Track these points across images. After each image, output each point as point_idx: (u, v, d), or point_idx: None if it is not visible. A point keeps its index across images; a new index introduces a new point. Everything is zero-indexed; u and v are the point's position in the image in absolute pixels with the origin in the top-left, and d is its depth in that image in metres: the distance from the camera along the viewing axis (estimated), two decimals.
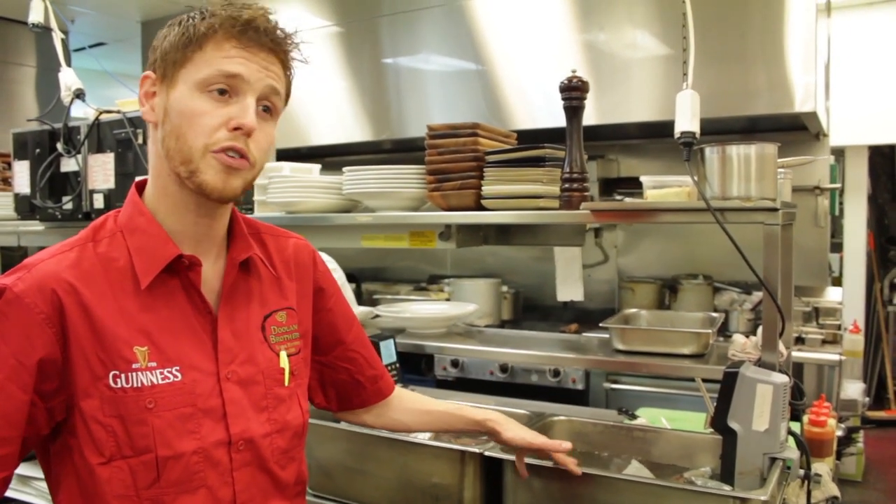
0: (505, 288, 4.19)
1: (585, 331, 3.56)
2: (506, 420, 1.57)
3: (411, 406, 1.59)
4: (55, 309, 1.09)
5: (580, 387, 3.61)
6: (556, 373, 3.61)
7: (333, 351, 1.47)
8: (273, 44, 1.17)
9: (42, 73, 5.57)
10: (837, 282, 5.14)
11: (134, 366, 1.12)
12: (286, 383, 1.28)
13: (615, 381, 3.53)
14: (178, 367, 1.15)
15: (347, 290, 3.57)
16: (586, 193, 1.81)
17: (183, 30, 1.15)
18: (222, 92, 1.14)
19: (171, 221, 1.19)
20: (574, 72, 1.82)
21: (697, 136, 1.69)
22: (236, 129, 1.13)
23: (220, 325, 1.21)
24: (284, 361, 1.28)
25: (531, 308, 4.33)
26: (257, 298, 1.28)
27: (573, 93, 1.81)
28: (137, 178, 1.25)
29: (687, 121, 1.69)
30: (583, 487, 1.54)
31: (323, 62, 4.21)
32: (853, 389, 3.91)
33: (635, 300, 3.84)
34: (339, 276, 2.86)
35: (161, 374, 1.13)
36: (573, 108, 1.81)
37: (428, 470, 1.70)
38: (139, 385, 1.12)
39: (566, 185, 1.81)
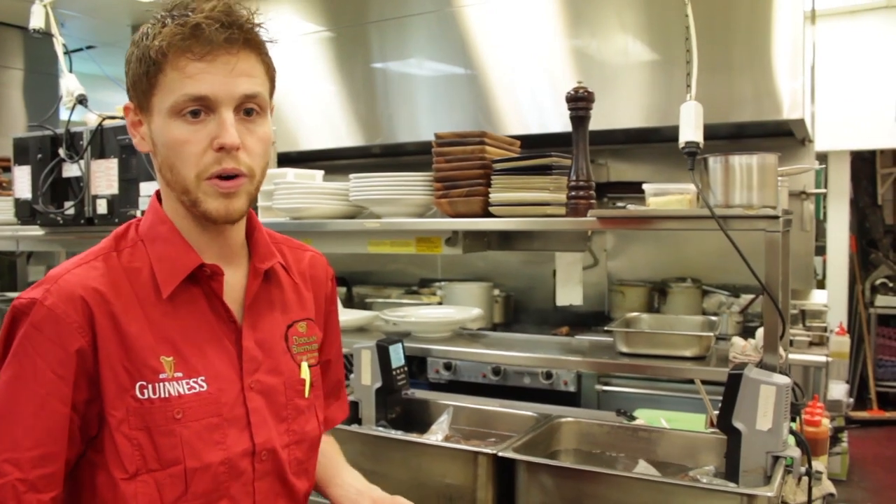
0: (496, 291, 4.25)
1: (576, 333, 3.62)
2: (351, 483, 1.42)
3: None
4: (86, 318, 1.07)
5: (572, 389, 3.66)
6: (549, 375, 3.65)
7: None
8: (230, 39, 1.08)
9: (30, 76, 5.54)
10: (821, 284, 5.26)
11: (161, 376, 1.10)
12: (306, 394, 1.26)
13: (606, 384, 3.58)
14: (203, 377, 1.13)
15: None
16: (592, 201, 1.86)
17: (140, 52, 1.10)
18: (195, 113, 1.09)
19: (190, 233, 1.17)
20: (580, 82, 1.87)
21: (701, 146, 1.75)
22: (220, 149, 1.09)
23: (245, 334, 1.19)
24: (306, 372, 1.27)
25: (521, 311, 4.38)
26: (279, 307, 1.26)
27: (580, 103, 1.86)
28: (158, 188, 1.23)
29: (691, 131, 1.75)
30: (594, 486, 1.59)
31: (314, 67, 4.24)
32: (837, 390, 4.00)
33: (625, 303, 3.89)
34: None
35: (187, 384, 1.11)
36: (580, 117, 1.87)
37: (441, 471, 1.75)
38: (167, 395, 1.10)
39: (573, 193, 1.86)
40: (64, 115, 2.88)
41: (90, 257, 1.14)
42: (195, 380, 1.12)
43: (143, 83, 1.10)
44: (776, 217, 1.65)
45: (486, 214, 2.02)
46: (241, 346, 1.18)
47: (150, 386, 1.09)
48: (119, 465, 1.08)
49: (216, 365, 1.15)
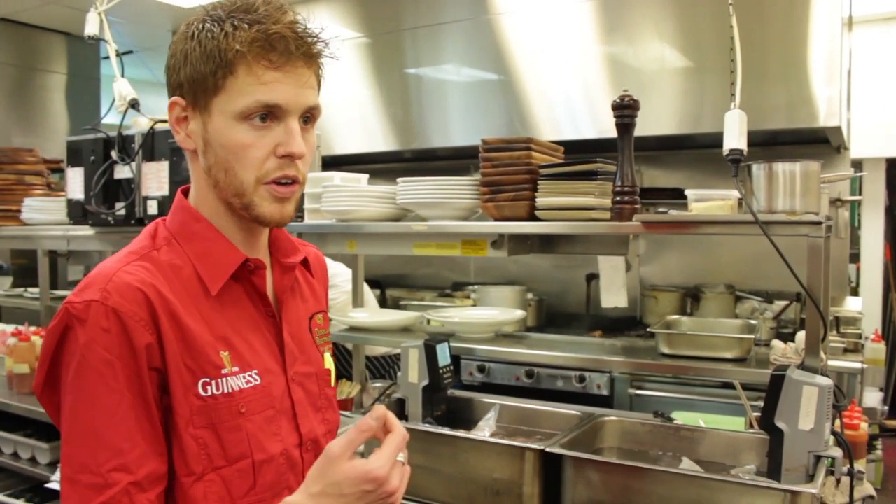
0: (529, 295, 4.29)
1: (609, 338, 3.65)
2: None
3: None
4: (150, 314, 1.05)
5: (605, 392, 3.69)
6: (582, 378, 3.69)
7: None
8: (307, 53, 1.12)
9: (72, 80, 5.68)
10: (855, 292, 5.24)
11: (223, 371, 1.09)
12: (332, 384, 1.31)
13: (640, 388, 3.61)
14: (256, 371, 1.14)
15: (369, 296, 3.67)
16: (637, 206, 1.91)
17: (205, 50, 1.09)
18: (263, 118, 1.09)
19: (228, 231, 1.17)
20: (626, 91, 1.92)
21: (745, 153, 1.79)
22: (285, 156, 1.11)
23: (284, 326, 1.21)
24: (329, 362, 1.31)
25: (553, 315, 4.43)
26: (301, 300, 1.29)
27: (625, 111, 1.91)
28: (182, 186, 1.23)
29: (735, 139, 1.79)
30: (639, 482, 1.64)
31: (351, 72, 4.31)
32: (872, 398, 3.99)
33: (658, 308, 3.92)
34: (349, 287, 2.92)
35: (244, 378, 1.12)
36: (625, 125, 1.92)
37: (489, 466, 1.80)
38: (230, 391, 1.09)
39: (618, 198, 1.91)
40: (114, 118, 2.97)
41: (134, 256, 1.11)
42: (250, 373, 1.13)
43: (207, 82, 1.09)
44: (819, 223, 1.69)
45: (531, 218, 2.07)
46: (282, 339, 1.20)
47: (213, 382, 1.08)
48: (185, 468, 1.06)
49: (264, 358, 1.17)
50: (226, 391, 1.09)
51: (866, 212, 5.68)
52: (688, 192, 2.01)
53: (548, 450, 1.76)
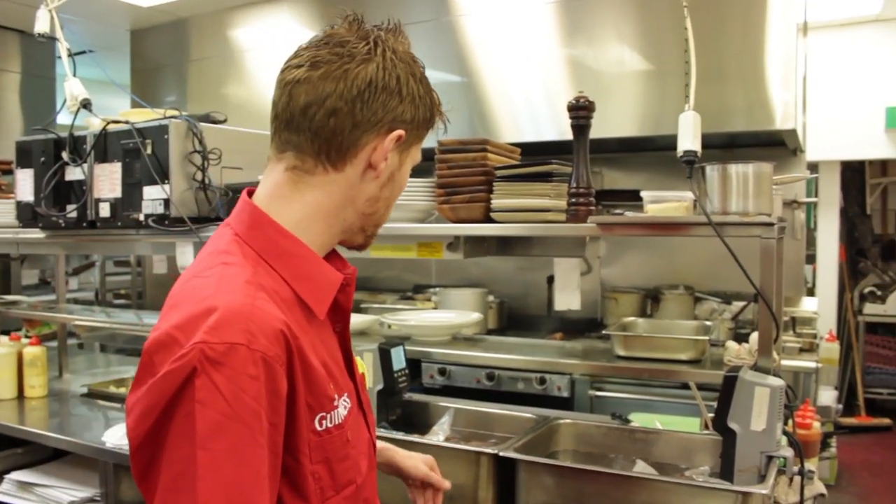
0: (490, 298, 4.29)
1: (570, 340, 3.66)
2: (398, 448, 1.53)
3: None
4: (288, 355, 0.97)
5: (566, 394, 3.70)
6: (542, 380, 3.69)
7: None
8: None
9: (27, 79, 5.56)
10: (811, 292, 5.33)
11: (335, 403, 1.06)
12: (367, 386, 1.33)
13: (600, 389, 3.63)
14: (347, 394, 1.11)
15: None
16: (592, 207, 1.91)
17: (427, 101, 1.14)
18: None
19: (319, 249, 1.12)
20: (581, 92, 1.92)
21: (699, 154, 1.80)
22: None
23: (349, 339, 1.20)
24: (362, 366, 1.35)
25: (515, 318, 4.43)
26: None
27: (581, 112, 1.90)
28: (249, 195, 1.12)
29: (689, 140, 1.80)
30: (594, 485, 1.63)
31: None
32: (827, 396, 4.07)
33: (618, 310, 3.94)
34: None
35: (343, 404, 1.08)
36: (580, 126, 1.91)
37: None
38: (340, 422, 1.06)
39: (573, 200, 1.91)
40: (65, 118, 2.90)
41: (252, 286, 0.99)
42: (344, 397, 1.09)
43: (421, 128, 1.15)
44: (771, 224, 1.70)
45: (487, 220, 2.06)
46: (348, 350, 1.19)
47: (328, 416, 1.04)
48: None
49: (346, 377, 1.15)
50: (337, 422, 1.06)
51: (822, 214, 5.78)
52: (643, 194, 2.01)
53: (501, 454, 1.74)
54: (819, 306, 4.08)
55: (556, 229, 1.94)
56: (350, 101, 1.06)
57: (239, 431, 0.90)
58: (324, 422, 1.03)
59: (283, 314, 0.99)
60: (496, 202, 2.01)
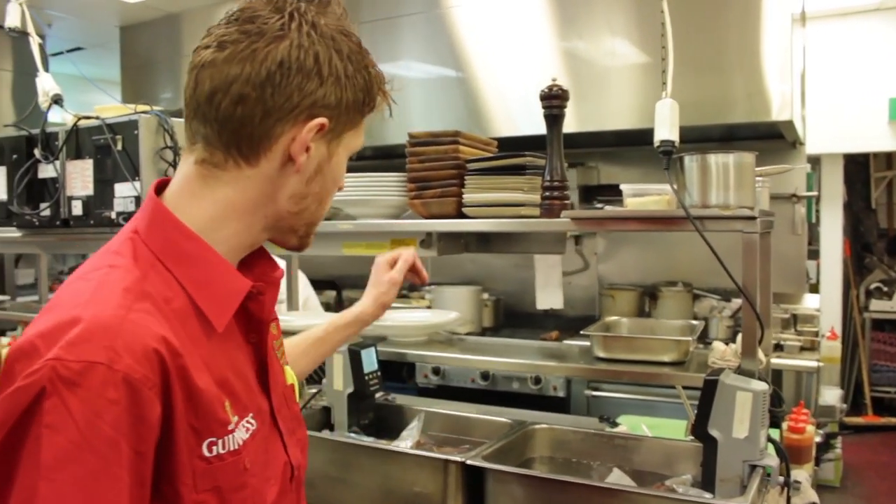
0: (486, 295, 4.20)
1: (566, 338, 3.57)
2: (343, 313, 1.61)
3: (299, 350, 1.50)
4: (162, 377, 0.85)
5: (561, 394, 3.63)
6: (538, 380, 3.61)
7: None
8: None
9: (19, 77, 5.51)
10: (815, 289, 5.20)
11: (229, 427, 0.93)
12: (297, 399, 1.18)
13: (596, 389, 3.55)
14: (252, 414, 0.98)
15: (314, 299, 3.55)
16: (567, 201, 1.82)
17: (364, 82, 1.01)
18: None
19: (230, 253, 1.00)
20: (554, 80, 1.82)
21: (677, 144, 1.71)
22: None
23: (268, 351, 1.06)
24: (291, 376, 1.18)
25: (512, 315, 4.34)
26: None
27: (553, 101, 1.81)
28: (155, 193, 1.00)
29: (666, 130, 1.70)
30: (565, 496, 1.54)
31: None
32: (831, 396, 3.96)
33: (616, 307, 3.86)
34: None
35: (244, 426, 0.96)
36: (553, 116, 1.82)
37: (410, 479, 1.70)
38: (236, 447, 0.93)
39: (547, 194, 1.82)
40: (52, 116, 2.84)
41: (132, 295, 0.88)
42: (247, 419, 0.97)
43: (352, 113, 1.01)
44: (753, 218, 1.60)
45: (461, 216, 1.97)
46: (263, 363, 1.05)
47: (219, 441, 0.91)
48: None
49: (255, 394, 1.02)
50: (231, 448, 0.93)
51: (825, 208, 5.66)
52: (623, 188, 1.92)
53: (469, 462, 1.65)
54: (823, 303, 3.98)
55: (529, 224, 1.85)
56: (259, 86, 0.93)
57: (90, 461, 0.79)
58: (214, 447, 0.90)
59: (164, 328, 0.87)
60: (468, 196, 1.92)
